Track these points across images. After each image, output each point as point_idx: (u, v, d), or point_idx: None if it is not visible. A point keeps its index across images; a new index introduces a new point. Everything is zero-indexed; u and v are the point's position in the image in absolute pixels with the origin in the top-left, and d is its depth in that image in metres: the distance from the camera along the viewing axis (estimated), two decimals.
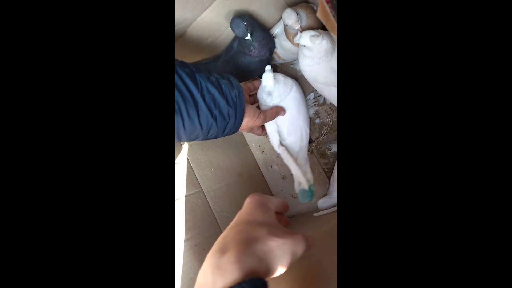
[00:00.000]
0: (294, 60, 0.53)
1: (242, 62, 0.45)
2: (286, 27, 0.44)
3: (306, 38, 0.38)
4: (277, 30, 0.48)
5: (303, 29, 0.41)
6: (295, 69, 0.55)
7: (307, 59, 0.40)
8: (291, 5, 0.46)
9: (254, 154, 0.61)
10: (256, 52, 0.43)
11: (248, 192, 0.25)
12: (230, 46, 0.46)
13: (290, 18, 0.40)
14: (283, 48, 0.48)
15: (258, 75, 0.56)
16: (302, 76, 0.46)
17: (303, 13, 0.42)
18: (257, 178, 0.58)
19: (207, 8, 0.37)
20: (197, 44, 0.43)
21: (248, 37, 0.40)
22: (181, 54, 0.42)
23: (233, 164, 0.53)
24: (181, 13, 0.35)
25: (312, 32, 0.38)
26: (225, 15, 0.41)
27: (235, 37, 0.45)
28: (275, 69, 0.54)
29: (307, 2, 0.45)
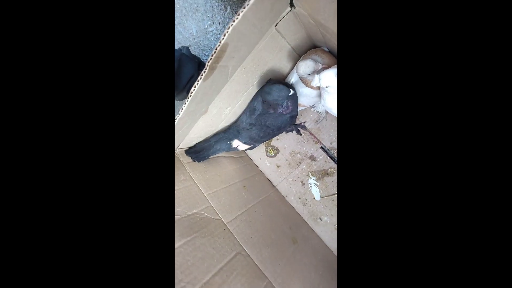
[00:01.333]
0: (314, 104, 0.51)
1: (273, 122, 0.43)
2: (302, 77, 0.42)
3: (330, 77, 0.36)
4: (292, 79, 0.46)
5: (319, 71, 0.39)
6: (317, 112, 0.52)
7: (334, 95, 0.39)
8: (301, 54, 0.46)
9: (296, 208, 0.55)
10: (288, 109, 0.41)
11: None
12: (252, 109, 0.44)
13: (308, 67, 0.39)
14: (302, 95, 0.46)
15: (288, 130, 0.54)
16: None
17: (318, 58, 0.41)
18: (310, 237, 0.51)
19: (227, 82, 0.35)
20: (217, 115, 0.41)
21: (290, 94, 0.39)
22: (203, 131, 0.40)
23: (282, 227, 0.47)
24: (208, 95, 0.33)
25: (333, 69, 0.36)
26: (244, 82, 0.39)
27: (257, 99, 0.43)
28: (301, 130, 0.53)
29: (316, 47, 0.44)
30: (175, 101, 0.57)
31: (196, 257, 0.28)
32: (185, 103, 0.30)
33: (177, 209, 0.31)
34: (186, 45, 0.61)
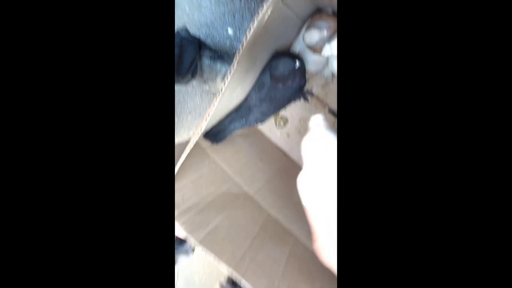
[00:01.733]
0: (320, 71, 0.52)
1: (283, 95, 0.44)
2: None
3: None
4: (298, 48, 0.46)
5: (329, 40, 0.39)
6: (324, 76, 0.53)
7: None
8: (305, 19, 0.45)
9: None
10: (296, 80, 0.42)
11: None
12: (261, 84, 0.44)
13: (314, 37, 0.39)
14: (310, 62, 0.46)
15: (297, 99, 0.55)
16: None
17: (323, 23, 0.40)
18: None
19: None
20: (229, 97, 0.42)
21: (297, 66, 0.39)
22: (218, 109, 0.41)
23: None
24: None
25: None
26: (252, 60, 0.39)
27: (265, 74, 0.43)
28: (309, 97, 0.53)
29: (320, 11, 0.43)
30: (180, 85, 0.57)
31: (234, 228, 0.32)
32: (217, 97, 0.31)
33: (210, 190, 0.34)
34: (180, 23, 0.58)
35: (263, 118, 0.50)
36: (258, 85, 0.45)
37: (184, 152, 0.31)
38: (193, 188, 0.33)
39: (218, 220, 0.31)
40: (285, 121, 0.58)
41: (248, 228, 0.34)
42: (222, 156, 0.42)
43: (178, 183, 0.32)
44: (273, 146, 0.59)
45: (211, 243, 0.27)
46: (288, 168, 0.56)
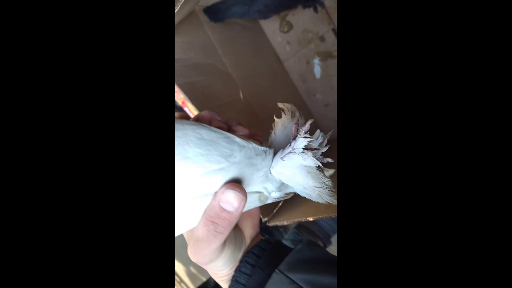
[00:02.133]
0: None
1: None
2: None
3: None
4: None
5: None
6: None
7: None
8: None
9: (296, 84, 0.63)
10: None
11: None
12: None
13: None
14: None
15: (305, 5, 0.54)
16: None
17: None
18: (301, 107, 0.62)
19: None
20: None
21: None
22: None
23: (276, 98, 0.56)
24: None
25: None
26: None
27: None
28: None
29: None
30: None
31: (209, 90, 0.38)
32: None
33: (197, 56, 0.39)
34: None
35: (266, 13, 0.51)
36: None
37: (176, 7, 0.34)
38: (182, 47, 0.37)
39: (198, 79, 0.37)
40: (290, 27, 0.59)
41: (222, 96, 0.40)
42: (217, 35, 0.46)
43: None
44: (271, 50, 0.61)
45: (188, 91, 0.34)
46: (278, 74, 0.60)
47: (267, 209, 0.35)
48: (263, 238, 0.28)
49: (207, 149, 0.21)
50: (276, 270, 0.24)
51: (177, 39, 0.37)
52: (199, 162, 0.21)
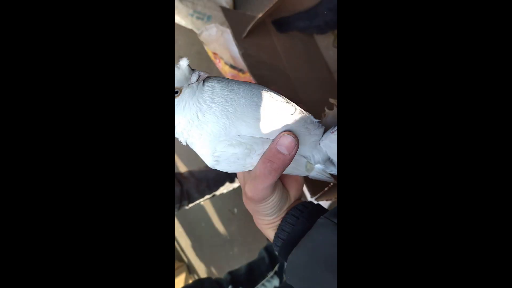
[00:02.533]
0: None
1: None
2: None
3: None
4: None
5: None
6: None
7: None
8: None
9: None
10: None
11: None
12: None
13: None
14: None
15: None
16: None
17: None
18: None
19: None
20: None
21: None
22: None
23: None
24: None
25: None
26: None
27: None
28: None
29: None
30: None
31: (273, 82, 0.45)
32: None
33: (265, 54, 0.47)
34: None
35: (324, 29, 0.58)
36: None
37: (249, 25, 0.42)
38: (254, 46, 0.45)
39: (266, 73, 0.44)
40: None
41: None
42: (281, 43, 0.54)
43: (244, 40, 0.44)
44: (322, 61, 0.68)
45: (259, 81, 0.41)
46: (326, 83, 0.66)
47: (316, 188, 0.39)
48: (306, 201, 0.31)
49: (274, 104, 0.26)
50: (322, 216, 0.26)
51: (252, 41, 0.45)
52: (271, 108, 0.26)
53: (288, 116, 0.26)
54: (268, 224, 0.30)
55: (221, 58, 0.63)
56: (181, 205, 0.79)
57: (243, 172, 0.29)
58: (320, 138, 0.29)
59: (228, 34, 0.59)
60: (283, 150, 0.25)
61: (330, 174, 0.31)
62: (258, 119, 0.25)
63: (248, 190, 0.26)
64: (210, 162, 0.26)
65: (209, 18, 0.79)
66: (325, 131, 0.29)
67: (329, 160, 0.30)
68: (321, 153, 0.29)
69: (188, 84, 0.25)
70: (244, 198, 0.28)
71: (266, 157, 0.25)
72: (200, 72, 0.25)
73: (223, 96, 0.25)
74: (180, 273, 1.45)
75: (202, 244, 1.42)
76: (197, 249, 1.46)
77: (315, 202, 0.31)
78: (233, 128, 0.25)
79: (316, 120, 0.28)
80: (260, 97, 0.25)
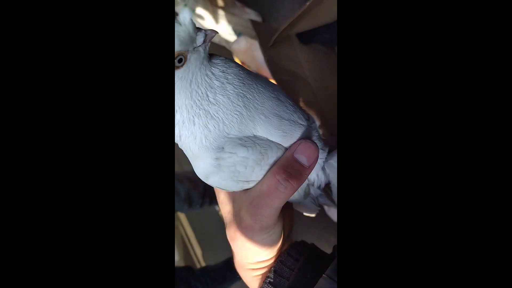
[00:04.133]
0: None
1: None
2: None
3: None
4: None
5: None
6: None
7: None
8: None
9: None
10: None
11: None
12: None
13: None
14: None
15: None
16: None
17: None
18: None
19: None
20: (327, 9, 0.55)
21: None
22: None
23: None
24: None
25: None
26: None
27: None
28: None
29: None
30: None
31: (294, 87, 0.49)
32: None
33: (283, 61, 0.51)
34: None
35: None
36: None
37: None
38: (278, 55, 0.50)
39: (287, 78, 0.49)
40: None
41: (301, 96, 0.51)
42: (304, 54, 0.58)
43: (269, 49, 0.49)
44: None
45: (279, 84, 0.45)
46: None
47: None
48: (298, 241, 0.26)
49: (293, 103, 0.22)
50: (324, 275, 0.21)
51: (276, 49, 0.50)
52: (289, 109, 0.21)
53: (304, 123, 0.22)
54: (255, 269, 0.23)
55: (248, 66, 0.69)
56: (203, 202, 0.82)
57: (233, 193, 0.22)
58: (325, 158, 0.25)
59: (255, 46, 0.65)
60: (303, 160, 0.20)
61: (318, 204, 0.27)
62: (280, 116, 0.20)
63: (248, 215, 0.20)
64: (206, 168, 0.20)
65: (239, 35, 0.87)
66: (327, 147, 0.25)
67: (327, 185, 0.26)
68: (324, 175, 0.25)
69: (194, 48, 0.18)
70: (231, 230, 0.22)
71: (280, 167, 0.20)
72: (207, 30, 0.19)
73: (240, 78, 0.19)
74: None
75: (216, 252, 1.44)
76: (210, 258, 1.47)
77: (309, 243, 0.26)
78: (249, 122, 0.19)
79: (323, 136, 0.25)
80: (280, 92, 0.21)
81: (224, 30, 0.87)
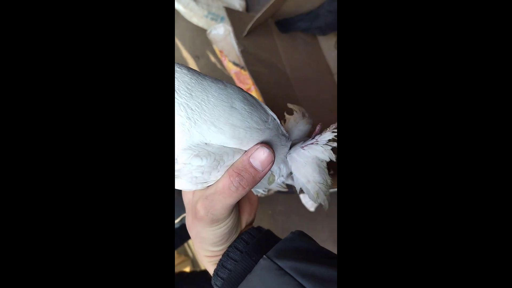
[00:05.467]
0: None
1: None
2: None
3: None
4: None
5: None
6: None
7: None
8: None
9: None
10: None
11: None
12: None
13: None
14: None
15: None
16: None
17: None
18: None
19: None
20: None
21: None
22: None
23: None
24: None
25: None
26: None
27: None
28: None
29: None
30: None
31: (270, 80, 0.48)
32: None
33: (264, 51, 0.50)
34: None
35: (325, 30, 0.60)
36: None
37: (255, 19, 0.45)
38: (254, 44, 0.48)
39: (263, 70, 0.47)
40: None
41: (278, 89, 0.49)
42: (282, 43, 0.56)
43: (244, 39, 0.47)
44: (324, 62, 0.70)
45: (255, 76, 0.44)
46: (327, 84, 0.68)
47: None
48: (255, 227, 0.28)
49: (250, 108, 0.22)
50: (264, 256, 0.23)
51: (253, 39, 0.48)
52: (244, 116, 0.21)
53: (261, 126, 0.22)
54: (210, 256, 0.25)
55: (227, 56, 0.66)
56: None
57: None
58: (288, 151, 0.27)
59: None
60: (257, 165, 0.21)
61: (286, 184, 0.30)
62: (233, 125, 0.21)
63: (202, 208, 0.22)
64: None
65: (222, 19, 0.83)
66: (290, 141, 0.27)
67: (290, 175, 0.28)
68: (287, 167, 0.27)
69: None
70: (189, 219, 0.24)
71: (235, 170, 0.21)
72: None
73: (187, 88, 0.19)
74: (184, 267, 1.50)
75: None
76: None
77: (265, 229, 0.27)
78: (196, 133, 0.20)
79: (285, 131, 0.26)
80: (235, 98, 0.21)
81: (203, 13, 0.83)
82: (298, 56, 0.60)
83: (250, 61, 0.45)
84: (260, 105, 0.24)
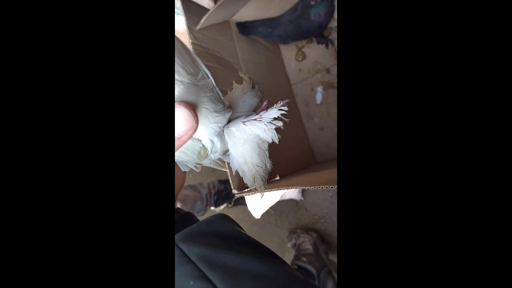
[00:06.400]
0: None
1: (304, 25, 0.55)
2: None
3: None
4: None
5: None
6: None
7: None
8: None
9: (299, 106, 0.71)
10: (320, 18, 0.52)
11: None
12: (295, 8, 0.55)
13: None
14: None
15: (319, 41, 0.65)
16: None
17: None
18: (299, 128, 0.69)
19: None
20: (267, 3, 0.54)
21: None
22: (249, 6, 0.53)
23: None
24: None
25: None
26: None
27: (301, 1, 0.54)
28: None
29: None
30: None
31: (222, 77, 0.47)
32: None
33: (221, 50, 0.49)
34: None
35: (285, 39, 0.61)
36: (293, 8, 0.56)
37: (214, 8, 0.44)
38: (211, 40, 0.47)
39: (217, 67, 0.46)
40: (304, 57, 0.70)
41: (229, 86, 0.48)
42: (241, 44, 0.56)
43: (198, 31, 0.46)
44: (284, 72, 0.71)
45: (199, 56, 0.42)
46: (285, 95, 0.69)
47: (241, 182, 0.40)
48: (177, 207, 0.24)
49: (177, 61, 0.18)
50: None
51: (209, 34, 0.47)
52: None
53: (187, 76, 0.18)
54: None
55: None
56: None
57: None
58: (226, 124, 0.23)
59: None
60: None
61: (222, 162, 0.26)
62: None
63: None
64: None
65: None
66: (229, 111, 0.23)
67: (227, 151, 0.24)
68: (223, 142, 0.23)
69: None
70: None
71: None
72: None
73: None
74: None
75: None
76: None
77: (185, 210, 0.25)
78: None
79: (223, 98, 0.22)
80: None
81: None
82: (256, 61, 0.60)
83: (202, 54, 0.44)
84: (189, 54, 0.19)
